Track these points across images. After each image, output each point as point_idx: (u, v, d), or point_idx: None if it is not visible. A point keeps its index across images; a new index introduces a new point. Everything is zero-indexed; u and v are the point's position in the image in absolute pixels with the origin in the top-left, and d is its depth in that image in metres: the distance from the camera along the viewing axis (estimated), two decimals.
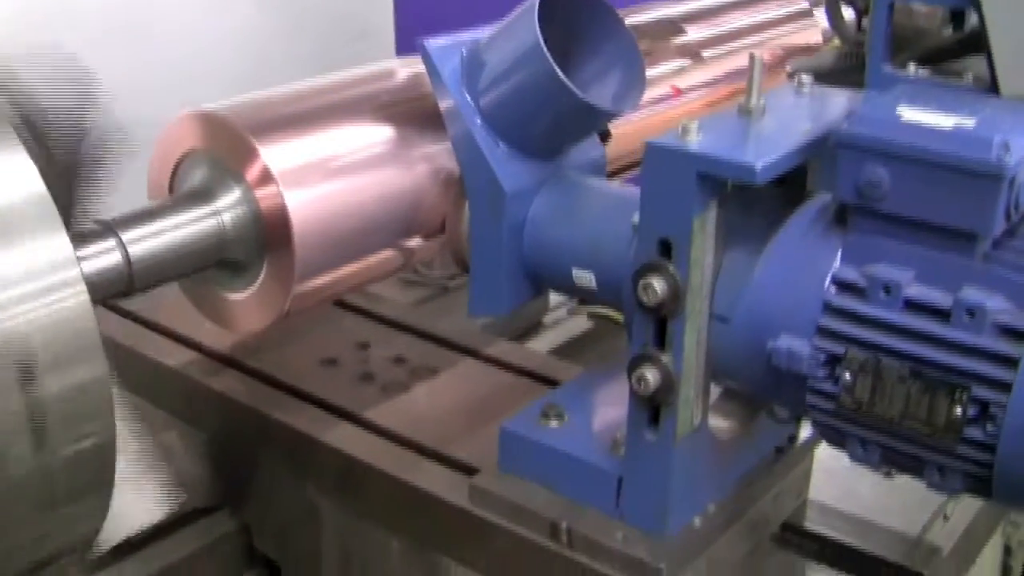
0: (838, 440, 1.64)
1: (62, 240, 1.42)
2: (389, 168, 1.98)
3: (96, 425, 1.46)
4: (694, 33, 2.89)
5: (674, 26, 2.83)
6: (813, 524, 2.01)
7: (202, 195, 1.84)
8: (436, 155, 2.01)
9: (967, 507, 2.09)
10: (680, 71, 2.79)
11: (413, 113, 2.03)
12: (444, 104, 1.91)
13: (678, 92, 2.78)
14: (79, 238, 1.64)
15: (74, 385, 1.41)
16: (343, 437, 2.02)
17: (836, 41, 2.84)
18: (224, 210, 1.82)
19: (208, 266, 1.86)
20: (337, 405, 2.11)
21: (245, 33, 3.04)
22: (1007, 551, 2.47)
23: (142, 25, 2.77)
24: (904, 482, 1.64)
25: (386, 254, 2.02)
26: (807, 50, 3.19)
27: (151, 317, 2.36)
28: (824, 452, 2.01)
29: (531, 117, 1.89)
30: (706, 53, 2.92)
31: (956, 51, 2.01)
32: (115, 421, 1.46)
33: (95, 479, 1.50)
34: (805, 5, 3.40)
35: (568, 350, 2.75)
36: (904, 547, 1.97)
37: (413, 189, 1.99)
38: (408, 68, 2.12)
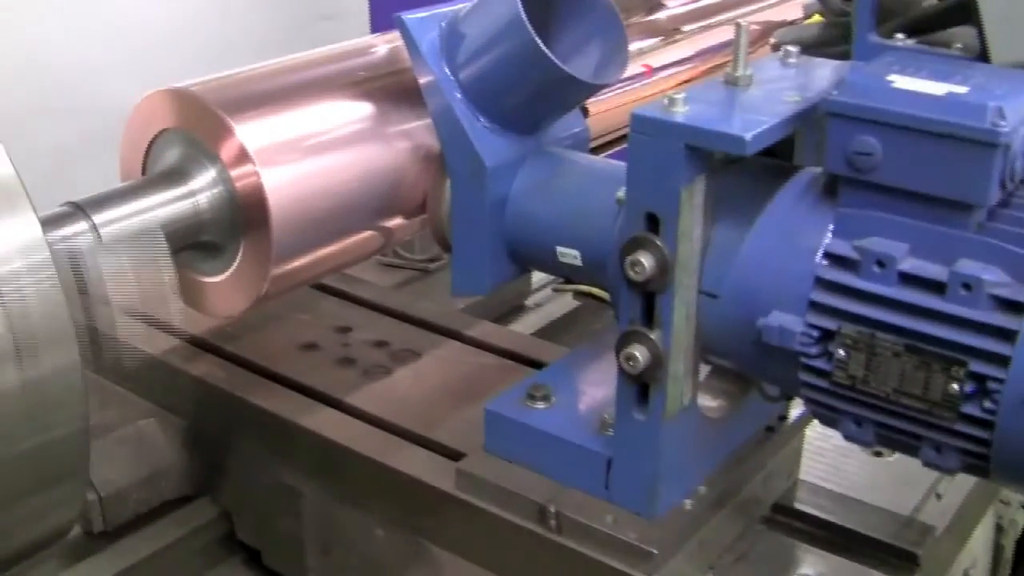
0: (831, 419, 1.61)
1: (31, 222, 1.38)
2: (368, 145, 1.93)
3: (68, 413, 1.42)
4: (673, 8, 2.85)
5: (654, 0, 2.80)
6: (804, 504, 1.98)
7: (176, 175, 1.79)
8: (416, 131, 1.98)
9: (959, 485, 2.06)
10: (653, 49, 2.76)
11: (391, 88, 1.99)
12: (423, 78, 1.88)
13: (650, 71, 2.74)
14: (49, 221, 1.59)
15: (45, 372, 1.37)
16: (325, 422, 1.99)
17: (816, 17, 2.80)
18: (199, 191, 1.78)
19: (183, 249, 1.81)
20: (318, 390, 2.08)
21: (216, 12, 2.99)
22: (999, 530, 2.45)
23: (107, 3, 2.72)
24: (894, 460, 1.61)
25: (366, 234, 1.98)
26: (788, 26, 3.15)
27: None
28: (812, 431, 1.99)
29: (512, 90, 1.86)
30: (685, 28, 2.88)
31: (942, 21, 1.96)
32: (88, 408, 1.42)
33: (69, 468, 1.46)
34: None
35: (551, 331, 2.71)
36: (896, 527, 1.94)
37: (393, 167, 1.95)
38: (386, 43, 2.07)
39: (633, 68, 2.69)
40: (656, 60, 2.80)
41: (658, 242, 1.55)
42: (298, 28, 3.14)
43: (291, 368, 2.13)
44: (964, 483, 2.06)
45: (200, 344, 2.20)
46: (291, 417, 1.99)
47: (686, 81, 2.85)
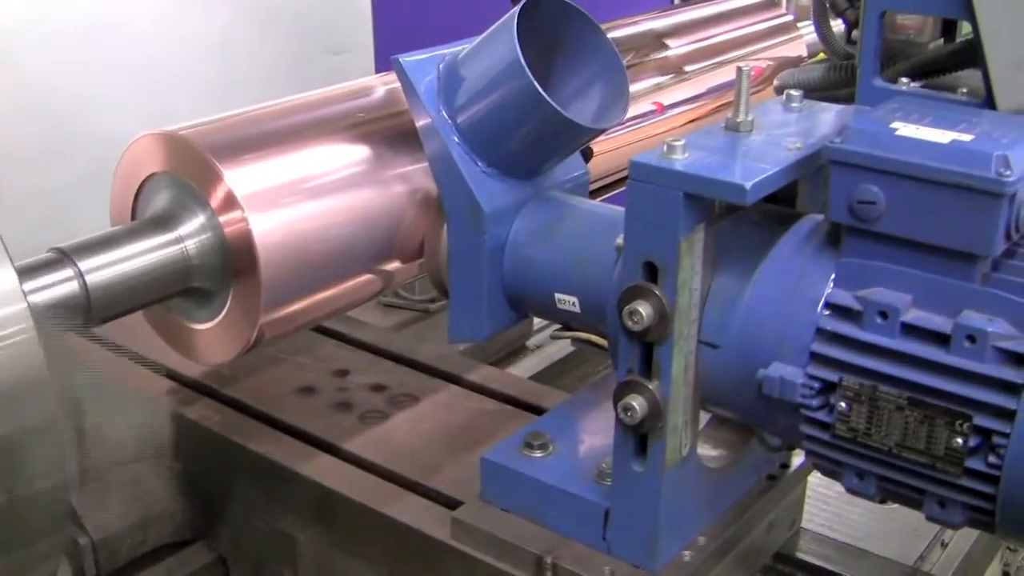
0: (833, 470, 1.57)
1: (6, 272, 1.33)
2: (363, 189, 1.90)
3: (46, 467, 1.37)
4: (677, 47, 2.82)
5: (657, 40, 2.77)
6: (806, 554, 1.93)
7: (165, 221, 1.75)
8: (413, 175, 1.94)
9: (966, 532, 2.02)
10: (663, 86, 2.72)
11: (388, 131, 1.95)
12: (420, 121, 1.84)
13: (661, 108, 2.71)
14: (31, 268, 1.55)
15: (21, 427, 1.33)
16: (320, 468, 1.94)
17: (821, 54, 2.77)
18: (188, 237, 1.74)
19: (171, 296, 1.77)
20: (314, 435, 2.03)
21: (220, 47, 2.96)
22: None
23: (110, 36, 2.69)
24: (899, 508, 1.57)
25: (362, 279, 1.94)
26: (792, 64, 3.13)
27: (122, 343, 2.28)
28: (815, 478, 1.95)
29: (510, 134, 1.83)
30: (689, 68, 2.86)
31: (949, 64, 1.93)
32: (66, 462, 1.37)
33: (47, 522, 1.42)
34: (789, 18, 3.34)
35: (552, 373, 2.67)
36: None
37: (389, 211, 1.91)
38: (383, 85, 2.04)
39: (644, 106, 2.67)
40: (667, 98, 2.77)
41: (657, 291, 1.51)
42: (305, 62, 3.10)
43: (288, 412, 2.08)
44: (971, 530, 2.02)
45: (196, 387, 2.16)
46: (287, 463, 1.95)
47: (697, 119, 2.82)
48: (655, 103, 2.73)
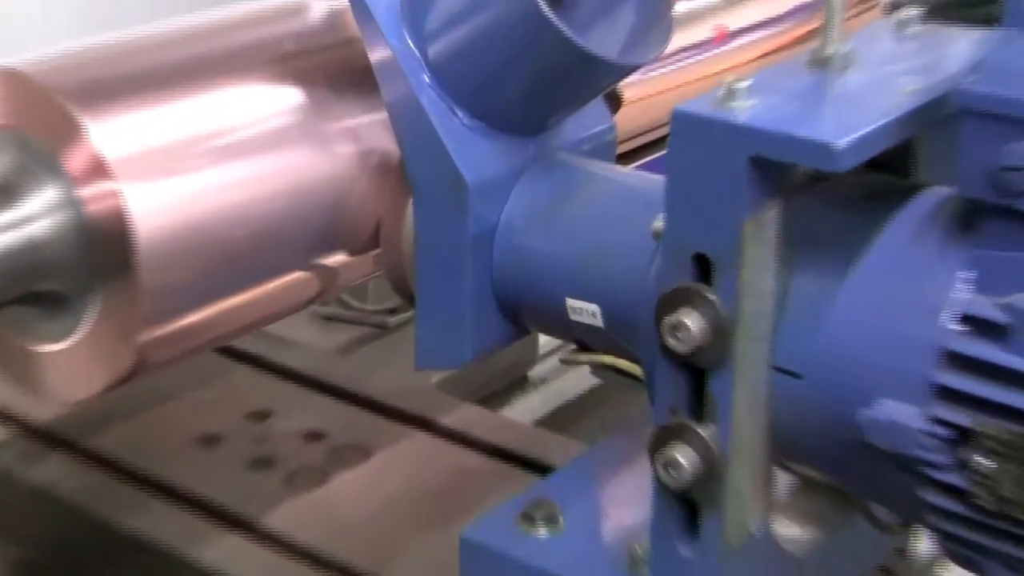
0: (971, 558, 1.56)
1: None
2: (292, 150, 1.90)
3: None
4: None
5: None
6: None
7: (1, 194, 1.74)
8: (363, 130, 1.95)
9: None
10: (726, 5, 2.72)
11: (330, 68, 1.96)
12: (376, 54, 1.85)
13: (723, 35, 2.71)
14: None
15: None
16: (228, 554, 1.97)
17: None
18: (34, 217, 1.73)
19: (7, 302, 1.76)
20: (220, 505, 2.06)
21: None
22: None
23: None
24: None
25: (289, 279, 1.94)
26: None
27: None
28: (950, 573, 1.95)
29: (504, 73, 1.84)
30: None
31: None
32: None
33: None
34: None
35: (564, 416, 2.69)
36: None
37: (329, 181, 1.92)
38: (323, 3, 2.03)
39: (700, 32, 2.67)
40: (733, 20, 2.77)
41: (710, 296, 1.51)
42: None
43: (182, 472, 2.11)
44: None
45: (45, 436, 2.16)
46: (178, 547, 1.97)
47: (773, 51, 2.83)
48: (716, 28, 2.74)
